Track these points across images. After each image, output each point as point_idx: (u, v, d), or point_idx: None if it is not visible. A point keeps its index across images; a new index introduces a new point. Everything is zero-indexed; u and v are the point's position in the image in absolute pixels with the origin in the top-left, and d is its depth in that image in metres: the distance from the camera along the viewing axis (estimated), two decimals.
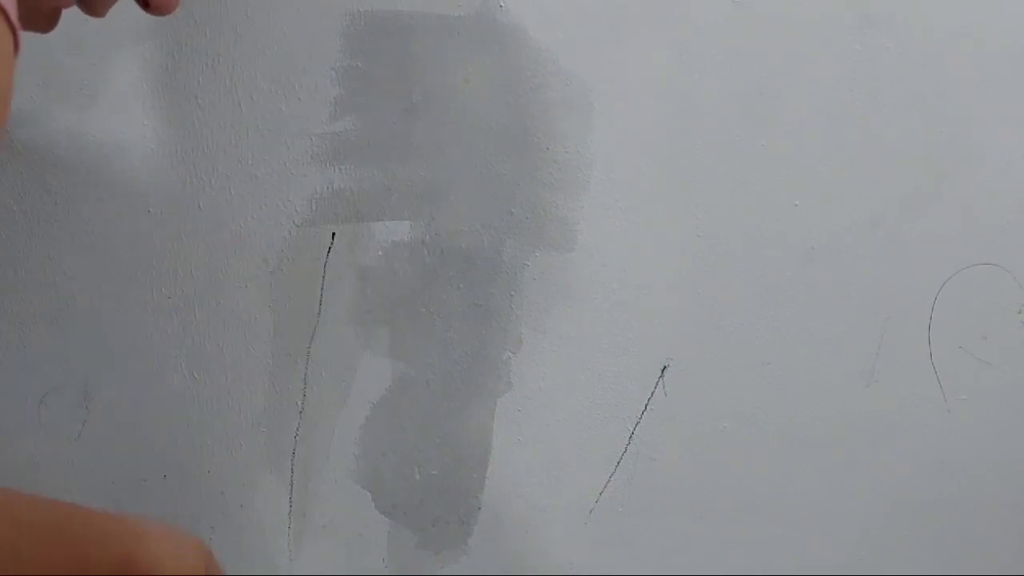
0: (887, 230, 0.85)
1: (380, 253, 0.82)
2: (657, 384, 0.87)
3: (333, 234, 0.81)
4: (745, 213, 0.84)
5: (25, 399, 0.82)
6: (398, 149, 0.80)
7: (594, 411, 0.87)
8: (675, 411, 0.87)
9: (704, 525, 0.90)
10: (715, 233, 0.84)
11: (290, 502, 0.87)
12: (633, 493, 0.89)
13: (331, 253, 0.82)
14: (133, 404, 0.83)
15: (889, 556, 0.93)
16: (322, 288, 0.82)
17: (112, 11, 0.58)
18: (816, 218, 0.84)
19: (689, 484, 0.89)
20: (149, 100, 0.77)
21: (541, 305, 0.84)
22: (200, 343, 0.83)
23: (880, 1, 0.80)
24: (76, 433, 0.83)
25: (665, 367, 0.87)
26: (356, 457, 0.86)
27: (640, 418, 0.87)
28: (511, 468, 0.87)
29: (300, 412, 0.84)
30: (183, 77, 0.77)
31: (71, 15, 0.58)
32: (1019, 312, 0.88)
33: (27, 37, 0.69)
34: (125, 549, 0.60)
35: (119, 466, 0.84)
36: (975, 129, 0.83)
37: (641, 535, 0.90)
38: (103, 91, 0.76)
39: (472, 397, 0.86)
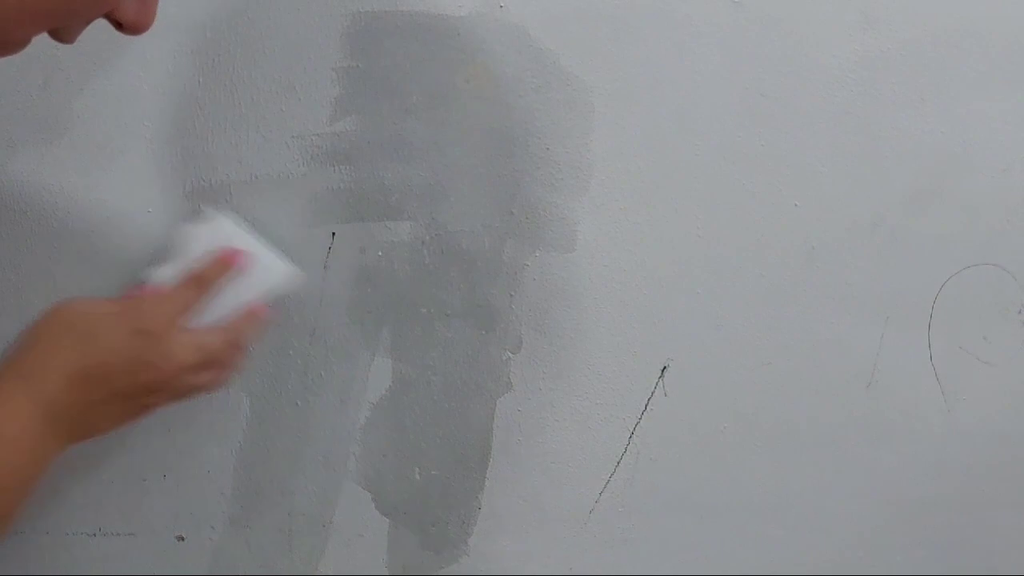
0: (887, 230, 0.85)
1: (380, 253, 0.82)
2: (657, 384, 0.87)
3: (333, 234, 0.81)
4: (745, 213, 0.84)
5: None
6: (398, 149, 0.80)
7: (594, 411, 0.87)
8: (675, 411, 0.87)
9: (704, 525, 0.90)
10: (715, 233, 0.84)
11: (290, 502, 0.87)
12: (633, 493, 0.89)
13: (331, 253, 0.82)
14: None
15: (889, 556, 0.93)
16: (322, 288, 0.82)
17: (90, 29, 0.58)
18: (816, 218, 0.84)
19: (689, 484, 0.89)
20: (149, 100, 0.77)
21: (541, 305, 0.84)
22: None
23: (880, 1, 0.80)
24: None
25: (665, 367, 0.87)
26: (356, 457, 0.86)
27: (640, 418, 0.87)
28: (511, 468, 0.87)
29: (300, 412, 0.84)
30: (183, 77, 0.77)
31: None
32: (1019, 312, 0.88)
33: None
34: None
35: (119, 466, 0.84)
36: (975, 129, 0.84)
37: (641, 535, 0.90)
38: (103, 91, 0.76)
39: (472, 397, 0.86)
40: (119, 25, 0.58)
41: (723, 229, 0.84)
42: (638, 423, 0.87)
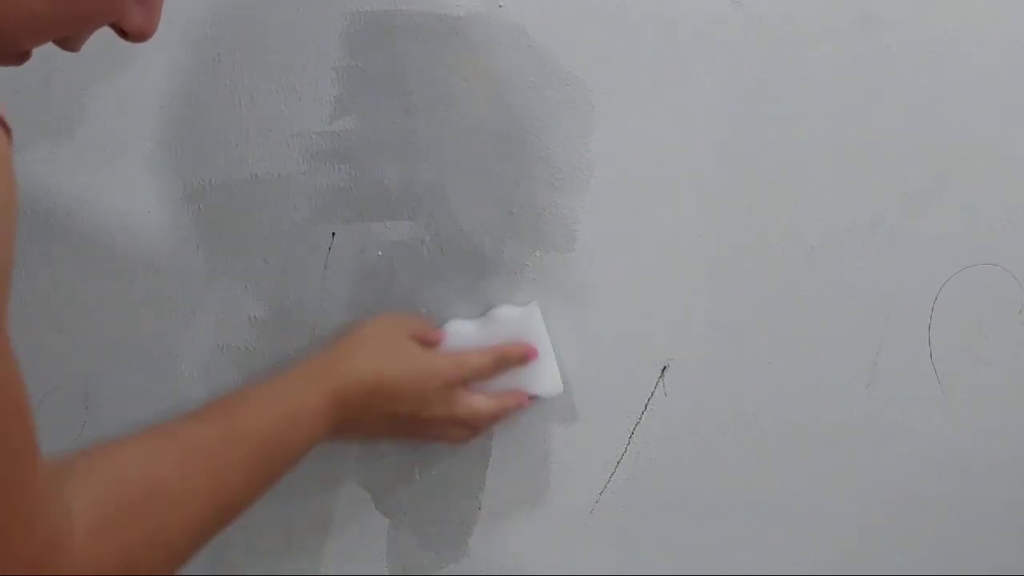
0: (887, 230, 0.85)
1: (380, 253, 0.82)
2: (657, 384, 0.87)
3: (333, 234, 0.81)
4: (745, 213, 0.84)
5: None
6: (398, 149, 0.80)
7: (594, 411, 0.87)
8: (675, 411, 0.87)
9: (704, 525, 0.90)
10: (715, 233, 0.84)
11: (290, 502, 0.87)
12: (633, 493, 0.89)
13: (331, 253, 0.82)
14: (133, 404, 0.83)
15: (889, 556, 0.93)
16: (322, 288, 0.82)
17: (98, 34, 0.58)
18: (816, 218, 0.84)
19: (689, 484, 0.89)
20: (149, 100, 0.77)
21: (541, 305, 0.84)
22: (200, 343, 0.83)
23: (880, 1, 0.80)
24: (76, 433, 0.83)
25: (665, 367, 0.86)
26: (356, 457, 0.86)
27: (640, 418, 0.87)
28: (511, 468, 0.87)
29: None
30: (183, 77, 0.77)
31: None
32: (1019, 312, 0.88)
33: None
34: None
35: None
36: (976, 129, 0.83)
37: (641, 535, 0.90)
38: (103, 91, 0.77)
39: None
40: (124, 33, 0.58)
41: (723, 229, 0.84)
42: (638, 423, 0.87)
